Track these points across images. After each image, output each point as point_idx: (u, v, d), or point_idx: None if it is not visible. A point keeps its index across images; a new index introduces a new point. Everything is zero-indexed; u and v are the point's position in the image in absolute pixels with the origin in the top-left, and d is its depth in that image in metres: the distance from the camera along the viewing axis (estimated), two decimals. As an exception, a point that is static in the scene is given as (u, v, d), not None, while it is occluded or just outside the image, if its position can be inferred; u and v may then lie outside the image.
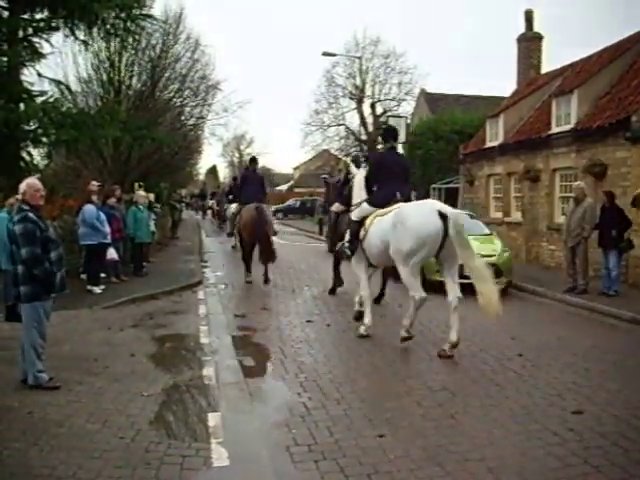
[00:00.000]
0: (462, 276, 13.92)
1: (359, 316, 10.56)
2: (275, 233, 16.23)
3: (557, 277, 15.44)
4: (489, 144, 23.16)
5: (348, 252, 10.34)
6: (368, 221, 9.79)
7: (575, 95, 17.82)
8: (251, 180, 15.92)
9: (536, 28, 25.72)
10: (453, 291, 9.08)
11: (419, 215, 8.84)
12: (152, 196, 20.94)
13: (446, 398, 6.91)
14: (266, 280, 14.99)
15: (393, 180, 9.89)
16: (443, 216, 8.63)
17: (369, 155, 10.27)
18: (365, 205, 10.10)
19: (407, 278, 9.18)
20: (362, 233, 9.90)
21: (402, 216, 8.95)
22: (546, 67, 25.78)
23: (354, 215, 10.28)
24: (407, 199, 9.84)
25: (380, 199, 9.84)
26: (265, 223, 14.88)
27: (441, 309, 11.70)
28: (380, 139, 10.98)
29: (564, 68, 22.92)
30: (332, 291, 14.00)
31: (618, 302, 12.40)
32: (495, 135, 22.88)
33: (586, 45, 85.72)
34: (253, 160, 16.34)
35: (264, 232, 14.70)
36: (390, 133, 10.67)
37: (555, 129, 18.61)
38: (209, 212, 49.54)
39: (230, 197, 21.86)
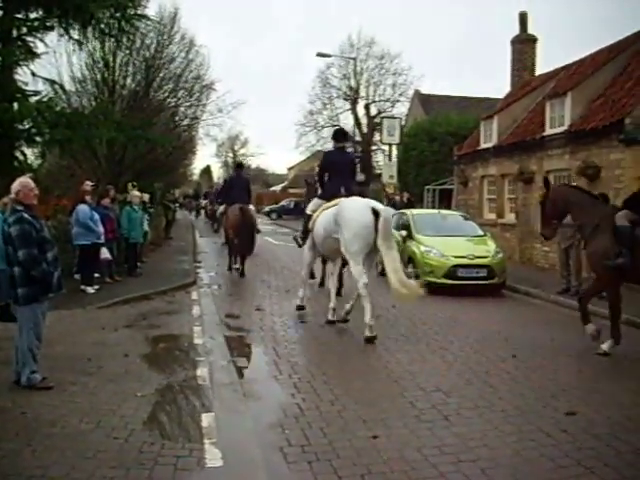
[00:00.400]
0: (459, 277, 14.06)
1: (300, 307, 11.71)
2: (258, 231, 17.75)
3: (551, 278, 15.47)
4: (483, 145, 23.21)
5: (300, 241, 11.84)
6: (316, 213, 10.86)
7: (569, 97, 17.87)
8: (237, 183, 17.49)
9: (530, 30, 25.79)
10: (363, 278, 9.83)
11: (355, 210, 9.88)
12: (147, 196, 20.98)
13: (440, 399, 6.91)
14: (242, 274, 16.43)
15: (339, 176, 11.00)
16: (375, 212, 9.65)
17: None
18: (316, 199, 11.32)
19: (352, 266, 10.08)
20: (311, 224, 10.97)
21: (341, 210, 9.98)
22: (540, 69, 25.90)
23: (308, 208, 11.36)
24: (351, 194, 10.71)
25: (327, 193, 10.95)
26: (248, 221, 16.20)
27: (435, 310, 11.75)
28: (332, 138, 11.83)
29: (558, 70, 23.00)
30: (321, 284, 14.64)
31: (611, 304, 12.41)
32: (489, 137, 22.92)
33: (580, 47, 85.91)
34: (239, 165, 18.72)
35: (247, 229, 16.08)
36: (339, 133, 11.69)
37: (549, 131, 18.66)
38: (202, 212, 49.83)
39: (219, 199, 22.62)
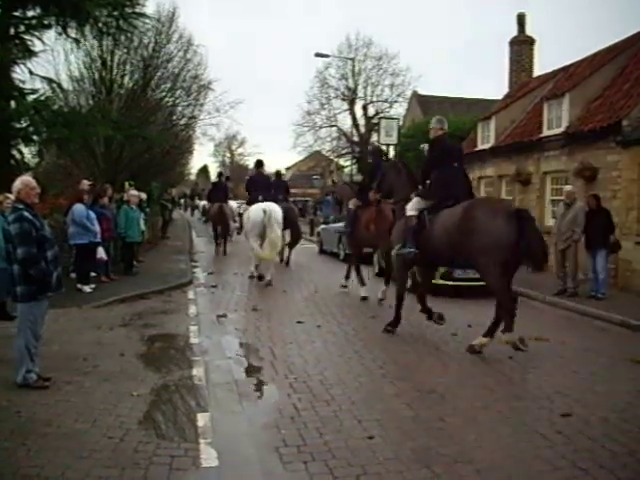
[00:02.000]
0: (456, 278, 14.04)
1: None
2: (235, 221, 24.64)
3: (547, 280, 15.44)
4: (480, 147, 23.21)
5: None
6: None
7: (567, 98, 17.87)
8: (219, 187, 23.49)
9: (529, 31, 25.81)
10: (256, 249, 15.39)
11: (253, 210, 15.63)
12: (144, 195, 21.05)
13: (436, 400, 6.92)
14: (225, 252, 21.99)
15: (259, 190, 16.80)
16: (265, 210, 15.15)
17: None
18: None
19: (251, 242, 15.70)
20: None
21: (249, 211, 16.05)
22: (538, 70, 25.90)
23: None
24: (272, 200, 16.30)
25: (252, 201, 16.62)
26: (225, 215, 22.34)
27: (435, 311, 11.72)
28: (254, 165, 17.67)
29: (556, 71, 23.00)
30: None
31: (607, 305, 12.45)
32: (487, 138, 22.93)
33: (579, 48, 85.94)
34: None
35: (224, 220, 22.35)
36: (260, 163, 18.26)
37: (546, 132, 18.67)
38: (196, 211, 50.96)
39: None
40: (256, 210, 15.33)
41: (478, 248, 8.57)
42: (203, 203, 53.32)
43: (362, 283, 13.86)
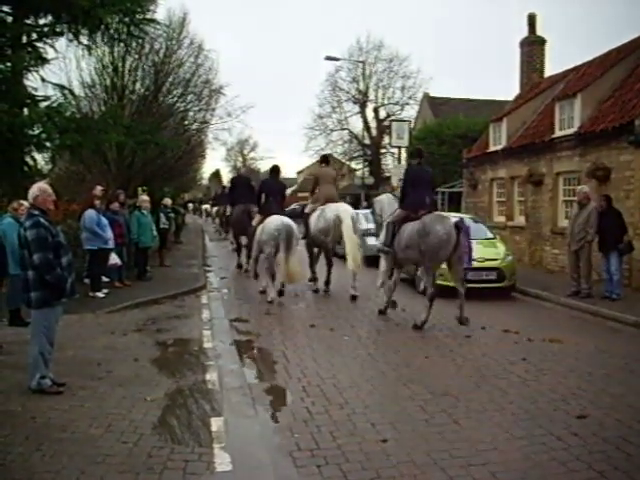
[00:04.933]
0: (469, 280, 14.01)
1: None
2: None
3: (561, 281, 15.41)
4: (492, 148, 23.15)
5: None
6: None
7: (578, 99, 17.81)
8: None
9: (540, 31, 25.70)
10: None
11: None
12: (169, 201, 22.48)
13: (449, 403, 6.90)
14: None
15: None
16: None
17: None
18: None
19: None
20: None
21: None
22: (549, 71, 25.81)
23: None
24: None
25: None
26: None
27: (444, 314, 11.72)
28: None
29: (567, 72, 22.91)
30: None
31: (622, 306, 12.38)
32: (498, 139, 22.87)
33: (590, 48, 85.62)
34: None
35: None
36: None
37: (558, 133, 18.60)
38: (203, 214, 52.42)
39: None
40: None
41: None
42: (205, 207, 54.59)
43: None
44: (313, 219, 14.52)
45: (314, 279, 15.15)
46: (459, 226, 10.67)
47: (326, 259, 15.00)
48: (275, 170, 15.55)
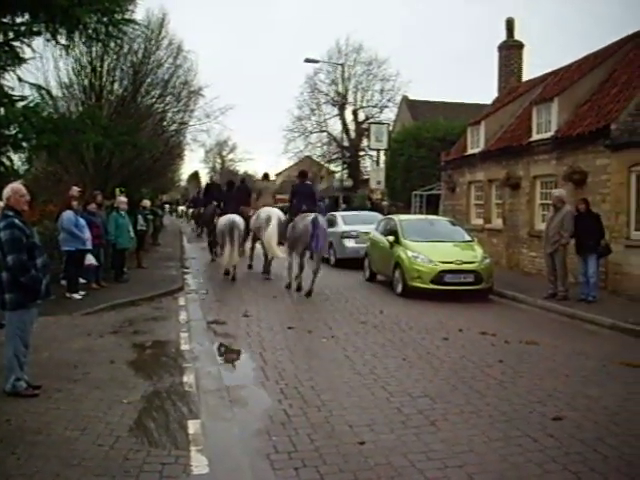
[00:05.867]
0: (446, 283, 14.09)
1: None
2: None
3: (538, 283, 15.51)
4: (470, 151, 23.27)
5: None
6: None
7: (555, 103, 17.95)
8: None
9: (518, 36, 25.91)
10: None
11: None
12: (147, 202, 22.85)
13: (427, 405, 6.91)
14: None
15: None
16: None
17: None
18: None
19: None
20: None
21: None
22: (527, 75, 26.00)
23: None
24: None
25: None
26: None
27: (422, 316, 11.77)
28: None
29: (545, 76, 23.10)
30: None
31: (598, 308, 12.49)
32: (476, 142, 22.99)
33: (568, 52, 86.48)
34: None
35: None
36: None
37: (536, 136, 18.73)
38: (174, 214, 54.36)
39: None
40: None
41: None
42: (182, 208, 56.27)
43: None
44: (253, 218, 18.65)
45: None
46: (314, 222, 14.36)
47: (263, 248, 18.15)
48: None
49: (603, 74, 18.02)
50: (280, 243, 16.67)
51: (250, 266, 19.10)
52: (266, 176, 22.75)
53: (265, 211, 17.96)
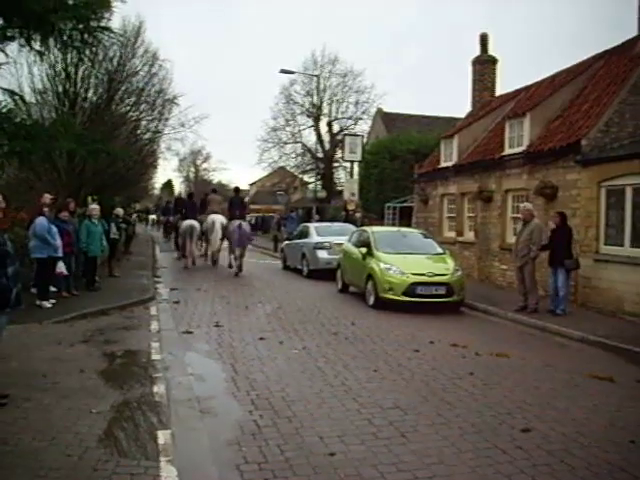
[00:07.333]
0: (418, 295, 14.15)
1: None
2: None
3: (509, 296, 15.66)
4: (443, 164, 23.44)
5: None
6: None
7: (527, 118, 18.17)
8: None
9: (492, 50, 26.19)
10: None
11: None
12: (121, 211, 22.76)
13: (397, 416, 6.94)
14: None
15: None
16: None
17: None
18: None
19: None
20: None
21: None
22: (500, 89, 26.29)
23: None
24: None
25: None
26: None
27: (394, 328, 11.81)
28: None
29: (517, 91, 23.38)
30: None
31: (568, 321, 12.63)
32: (449, 156, 23.17)
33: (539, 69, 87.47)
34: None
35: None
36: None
37: (508, 151, 18.93)
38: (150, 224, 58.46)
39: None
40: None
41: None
42: (153, 217, 57.81)
43: None
44: (204, 223, 23.11)
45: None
46: (240, 226, 20.87)
47: (206, 243, 24.65)
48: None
49: (574, 90, 18.28)
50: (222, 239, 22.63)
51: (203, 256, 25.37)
52: (214, 190, 28.27)
53: (212, 217, 22.71)
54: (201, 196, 29.07)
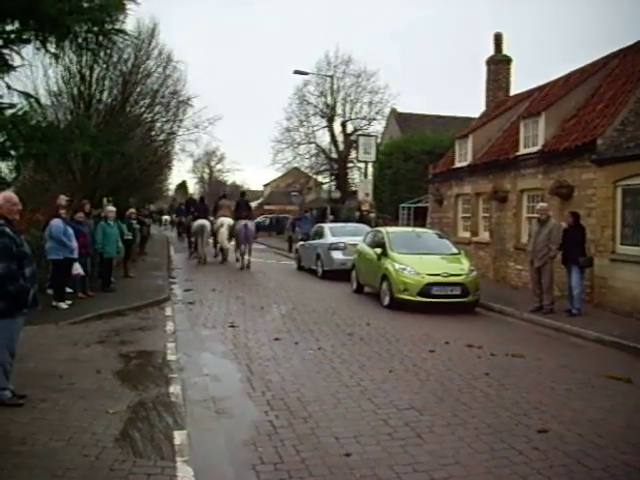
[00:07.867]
0: (433, 295, 14.11)
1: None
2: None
3: (524, 297, 15.58)
4: (458, 164, 23.37)
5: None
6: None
7: (542, 117, 18.08)
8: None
9: (506, 50, 26.06)
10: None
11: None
12: (133, 211, 22.62)
13: (413, 417, 6.93)
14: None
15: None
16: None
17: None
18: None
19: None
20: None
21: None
22: (514, 89, 26.17)
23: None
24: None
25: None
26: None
27: (409, 328, 11.79)
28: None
29: (532, 91, 23.27)
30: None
31: (583, 322, 12.56)
32: (464, 156, 23.09)
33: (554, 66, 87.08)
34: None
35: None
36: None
37: (523, 150, 18.85)
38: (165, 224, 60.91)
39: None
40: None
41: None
42: (166, 217, 59.80)
43: None
44: (214, 224, 25.31)
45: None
46: (246, 225, 22.96)
47: (214, 242, 26.51)
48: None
49: (589, 90, 18.18)
50: (230, 238, 24.77)
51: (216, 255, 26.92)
52: (224, 195, 30.31)
53: (221, 219, 24.99)
54: (215, 199, 31.76)
